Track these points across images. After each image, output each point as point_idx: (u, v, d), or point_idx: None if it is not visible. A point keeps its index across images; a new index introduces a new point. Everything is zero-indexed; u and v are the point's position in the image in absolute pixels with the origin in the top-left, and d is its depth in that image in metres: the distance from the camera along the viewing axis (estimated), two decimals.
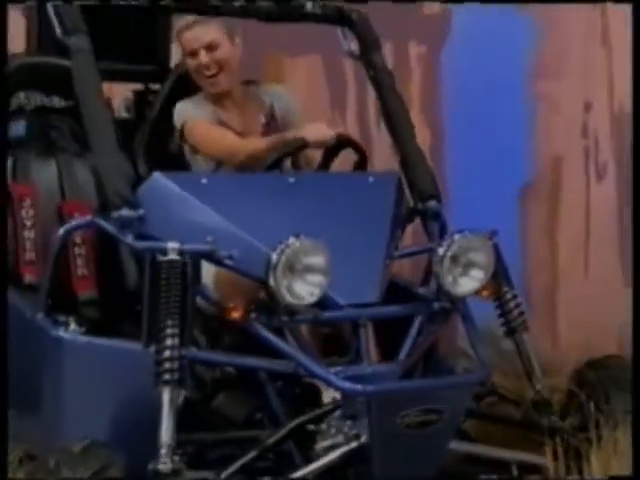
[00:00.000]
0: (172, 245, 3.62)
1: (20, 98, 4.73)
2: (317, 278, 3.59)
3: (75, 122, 4.68)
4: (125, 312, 4.36)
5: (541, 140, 5.74)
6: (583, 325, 5.29)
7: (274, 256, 3.54)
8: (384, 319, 3.84)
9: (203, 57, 4.36)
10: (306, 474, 3.63)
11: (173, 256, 3.61)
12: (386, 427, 3.55)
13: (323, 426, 3.70)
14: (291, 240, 3.56)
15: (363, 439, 3.62)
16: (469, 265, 3.81)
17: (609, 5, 5.65)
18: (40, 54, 4.84)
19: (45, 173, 4.71)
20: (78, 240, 4.34)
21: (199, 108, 4.41)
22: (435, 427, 3.60)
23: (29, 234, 4.51)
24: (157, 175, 3.96)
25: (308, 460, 3.67)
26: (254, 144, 4.21)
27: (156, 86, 5.03)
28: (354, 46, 4.63)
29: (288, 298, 3.55)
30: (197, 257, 3.70)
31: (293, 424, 3.70)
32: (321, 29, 4.74)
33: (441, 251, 3.77)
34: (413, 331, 3.79)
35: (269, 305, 3.66)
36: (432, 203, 4.35)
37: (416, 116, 5.22)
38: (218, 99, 4.44)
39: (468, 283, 3.81)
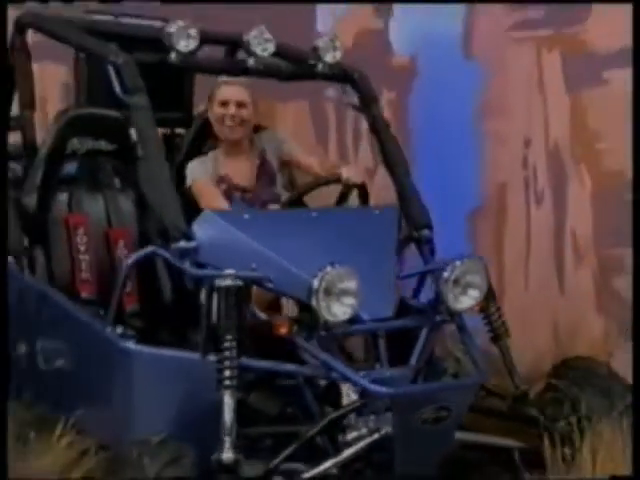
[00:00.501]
0: (229, 272, 3.79)
1: (74, 143, 4.91)
2: (350, 300, 3.81)
3: (119, 162, 4.86)
4: (162, 323, 4.53)
5: (488, 170, 5.82)
6: (525, 329, 5.35)
7: (315, 282, 3.75)
8: (396, 330, 4.01)
9: (231, 109, 4.64)
10: (338, 461, 3.79)
11: (230, 281, 3.78)
12: (406, 422, 3.75)
13: (350, 421, 3.85)
14: (328, 268, 3.77)
15: (383, 431, 3.79)
16: (467, 286, 4.03)
17: (544, 53, 5.74)
18: (89, 105, 4.99)
19: (94, 206, 4.92)
20: None
21: (203, 169, 4.70)
22: (445, 422, 3.81)
23: (84, 257, 4.75)
24: (207, 212, 4.17)
25: (337, 450, 3.84)
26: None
27: (180, 130, 5.24)
28: (355, 99, 4.77)
29: (326, 317, 3.77)
30: (248, 282, 3.87)
31: (328, 419, 3.86)
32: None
33: (446, 275, 3.98)
34: (421, 340, 4.01)
35: (308, 321, 3.87)
36: (425, 231, 4.52)
37: None
38: (228, 146, 4.72)
39: (466, 301, 4.04)
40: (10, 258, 4.64)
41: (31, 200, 4.66)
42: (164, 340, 4.38)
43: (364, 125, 5.17)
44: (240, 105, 4.65)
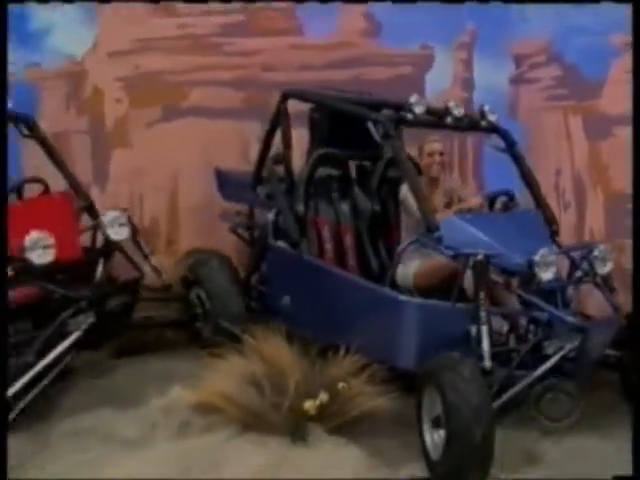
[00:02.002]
0: (480, 252, 4.32)
1: (319, 171, 5.27)
2: (553, 268, 4.40)
3: (342, 183, 5.28)
4: None
5: None
6: None
7: (536, 257, 4.35)
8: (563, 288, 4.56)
9: (437, 158, 4.97)
10: (548, 367, 4.24)
11: (480, 257, 4.31)
12: (590, 345, 4.30)
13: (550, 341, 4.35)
14: (542, 250, 4.35)
15: (569, 347, 4.26)
16: (604, 260, 4.63)
17: (570, 116, 6.34)
18: (322, 147, 5.34)
19: (329, 211, 5.29)
20: None
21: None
22: (605, 346, 4.43)
23: (327, 245, 5.13)
24: (450, 216, 4.67)
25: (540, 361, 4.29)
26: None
27: (367, 163, 5.57)
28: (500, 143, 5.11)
29: (542, 277, 4.34)
30: (487, 259, 4.37)
31: (535, 340, 4.34)
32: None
33: (596, 253, 4.61)
34: (576, 292, 4.61)
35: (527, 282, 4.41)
36: (555, 226, 4.99)
37: None
38: (429, 180, 5.01)
39: (605, 269, 4.64)
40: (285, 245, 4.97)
41: (300, 207, 5.06)
42: None
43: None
44: (441, 154, 4.99)
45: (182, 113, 6.47)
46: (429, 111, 4.85)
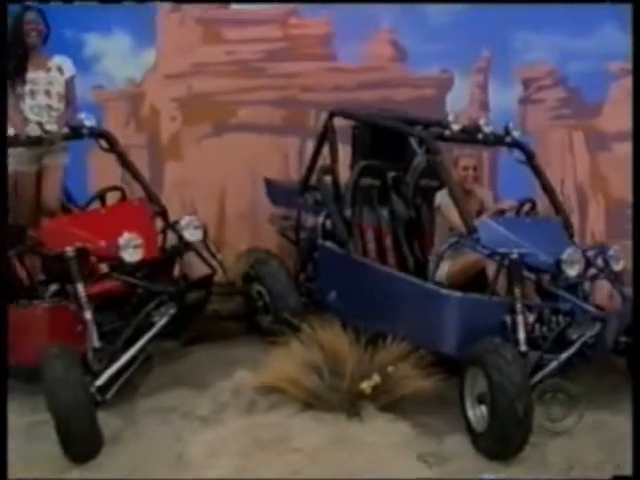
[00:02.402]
0: (515, 251, 4.55)
1: (362, 181, 5.47)
2: (578, 266, 4.63)
3: (381, 191, 5.47)
4: None
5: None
6: None
7: (564, 256, 4.57)
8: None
9: (471, 172, 5.15)
10: (573, 351, 4.47)
11: (515, 255, 4.54)
12: (607, 332, 4.56)
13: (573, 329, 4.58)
14: (568, 249, 4.59)
15: (589, 334, 4.50)
16: (619, 258, 4.89)
17: (573, 133, 6.56)
18: (363, 159, 5.54)
19: (371, 215, 5.47)
20: None
21: (445, 199, 5.07)
22: (619, 334, 4.69)
23: (370, 245, 5.33)
24: (485, 218, 4.88)
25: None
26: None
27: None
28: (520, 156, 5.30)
29: (568, 274, 4.57)
30: (521, 257, 4.59)
31: (561, 327, 4.55)
32: None
33: (611, 252, 4.86)
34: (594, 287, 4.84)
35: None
36: (571, 230, 5.24)
37: None
38: (463, 192, 5.14)
39: (619, 266, 4.87)
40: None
41: (347, 212, 5.30)
42: None
43: None
44: (474, 169, 5.16)
45: (230, 129, 6.68)
46: (464, 128, 5.04)
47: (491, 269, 4.71)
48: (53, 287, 4.82)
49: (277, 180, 6.16)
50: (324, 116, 5.82)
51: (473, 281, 4.83)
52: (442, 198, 5.12)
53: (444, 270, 4.96)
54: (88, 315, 4.39)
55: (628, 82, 6.18)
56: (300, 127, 6.51)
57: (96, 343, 4.36)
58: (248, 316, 5.38)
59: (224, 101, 6.68)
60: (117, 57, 6.76)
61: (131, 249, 4.43)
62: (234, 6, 6.73)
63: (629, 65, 6.12)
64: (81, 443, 4.06)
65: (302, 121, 6.52)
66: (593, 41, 6.50)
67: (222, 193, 6.73)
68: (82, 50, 6.65)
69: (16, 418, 4.57)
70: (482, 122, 5.15)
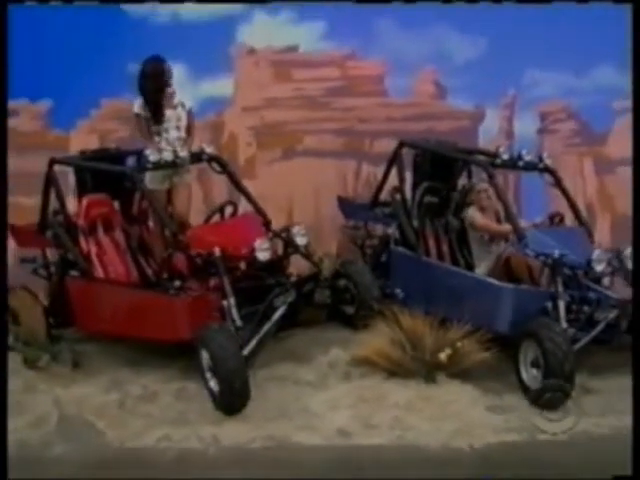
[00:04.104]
0: (557, 252, 6.16)
1: (425, 198, 7.10)
2: (603, 264, 6.25)
3: (439, 206, 7.04)
4: None
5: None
6: None
7: (594, 256, 6.17)
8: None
9: (483, 195, 6.82)
10: (598, 331, 6.03)
11: (556, 256, 6.17)
12: (625, 315, 6.09)
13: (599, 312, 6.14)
14: (596, 251, 6.23)
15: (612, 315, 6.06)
16: (628, 258, 6.39)
17: (583, 158, 8.45)
18: (427, 181, 7.12)
19: (431, 228, 7.08)
20: None
21: (475, 214, 6.80)
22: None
23: (433, 251, 6.92)
24: (530, 228, 6.52)
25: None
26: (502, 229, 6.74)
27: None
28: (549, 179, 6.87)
29: (596, 269, 6.20)
30: (561, 257, 6.17)
31: (589, 312, 6.09)
32: None
33: (626, 253, 6.39)
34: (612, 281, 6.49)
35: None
36: (592, 238, 6.72)
37: None
38: (479, 208, 6.84)
39: (630, 266, 6.38)
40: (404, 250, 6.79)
41: (415, 223, 6.94)
42: None
43: None
44: (486, 191, 6.77)
45: (297, 154, 8.36)
46: (510, 157, 6.72)
47: (536, 266, 6.34)
48: (177, 282, 6.34)
49: (348, 197, 7.80)
50: (378, 143, 7.51)
51: (507, 276, 6.44)
52: (474, 214, 6.81)
53: (481, 268, 6.59)
54: (232, 301, 5.95)
55: (629, 117, 7.97)
56: (357, 153, 8.21)
57: (239, 322, 5.91)
58: (334, 306, 6.93)
59: (292, 130, 8.39)
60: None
61: (263, 251, 6.01)
62: (301, 50, 8.38)
63: (629, 103, 7.94)
64: (239, 397, 5.61)
65: (358, 147, 8.23)
66: (592, 80, 8.24)
67: (290, 207, 8.36)
68: None
69: (164, 384, 6.14)
70: (524, 152, 6.81)
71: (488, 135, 8.38)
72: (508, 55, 8.05)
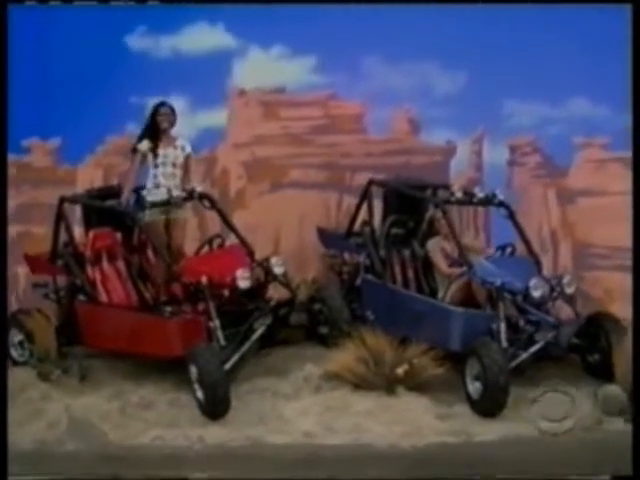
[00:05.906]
0: (499, 280, 7.72)
1: (392, 230, 8.68)
2: (541, 290, 7.80)
3: (405, 237, 8.58)
4: None
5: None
6: None
7: (530, 283, 7.66)
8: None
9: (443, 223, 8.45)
10: (537, 349, 7.66)
11: (499, 284, 7.72)
12: (562, 335, 7.60)
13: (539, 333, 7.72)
14: (534, 279, 7.73)
15: (550, 335, 7.56)
16: (571, 284, 7.91)
17: (547, 190, 10.02)
18: (390, 215, 8.70)
19: (398, 257, 8.65)
20: None
21: (435, 245, 8.21)
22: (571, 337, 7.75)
23: (399, 278, 8.49)
24: (479, 257, 8.09)
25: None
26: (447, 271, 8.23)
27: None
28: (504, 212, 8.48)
29: (533, 296, 7.72)
30: (503, 284, 7.77)
31: (528, 333, 7.75)
32: None
33: (566, 280, 7.92)
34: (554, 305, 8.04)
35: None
36: (539, 266, 8.17)
37: None
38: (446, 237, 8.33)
39: (571, 291, 7.90)
40: (372, 277, 8.37)
41: (382, 252, 8.46)
42: None
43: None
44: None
45: (284, 186, 9.96)
46: (464, 194, 8.30)
47: (482, 292, 7.88)
48: (169, 308, 7.95)
49: (327, 228, 9.39)
50: (358, 177, 9.12)
51: (467, 300, 7.95)
52: (434, 245, 8.33)
53: (442, 292, 8.12)
54: (217, 323, 7.57)
55: (589, 152, 9.56)
56: (338, 185, 9.79)
57: (222, 342, 7.53)
58: (311, 326, 8.52)
59: (279, 165, 9.95)
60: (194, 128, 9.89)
61: (244, 280, 7.62)
62: (287, 90, 9.99)
63: (590, 140, 9.51)
64: (221, 404, 7.21)
65: (340, 181, 9.80)
66: (566, 111, 9.64)
67: (277, 235, 9.95)
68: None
69: (160, 395, 7.78)
70: (477, 189, 8.38)
71: (459, 168, 9.92)
72: (487, 87, 9.46)
